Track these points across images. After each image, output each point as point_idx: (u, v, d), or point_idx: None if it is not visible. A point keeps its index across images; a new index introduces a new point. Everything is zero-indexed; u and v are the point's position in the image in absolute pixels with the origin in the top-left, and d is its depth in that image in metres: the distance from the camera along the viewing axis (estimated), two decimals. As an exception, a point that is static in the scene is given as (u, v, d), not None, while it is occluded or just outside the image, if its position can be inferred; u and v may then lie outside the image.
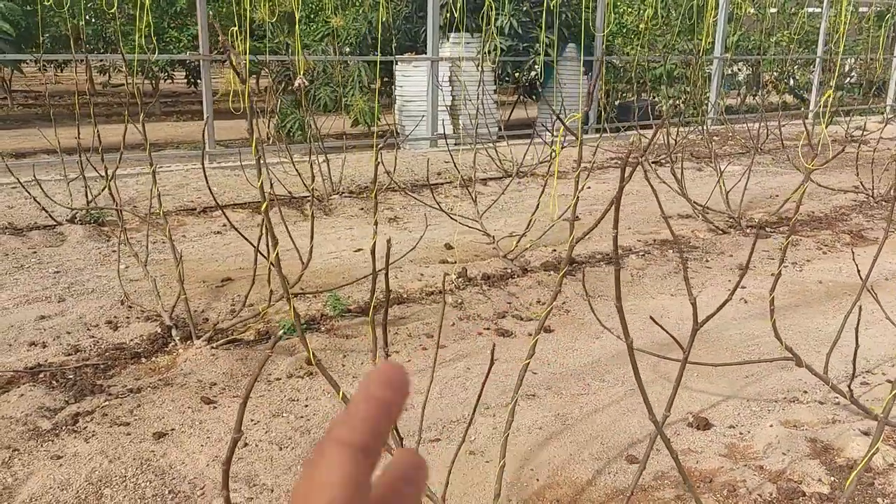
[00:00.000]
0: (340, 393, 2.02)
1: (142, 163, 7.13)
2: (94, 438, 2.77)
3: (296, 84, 4.45)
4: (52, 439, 2.77)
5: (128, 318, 3.93)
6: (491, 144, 9.19)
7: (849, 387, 2.91)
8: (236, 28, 5.22)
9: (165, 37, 11.55)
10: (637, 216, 6.25)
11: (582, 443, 2.87)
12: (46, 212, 5.51)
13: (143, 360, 3.44)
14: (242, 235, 3.89)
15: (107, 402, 3.03)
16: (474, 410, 2.19)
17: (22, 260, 4.84)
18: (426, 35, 9.44)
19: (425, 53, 9.40)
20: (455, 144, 9.61)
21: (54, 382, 3.16)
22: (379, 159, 3.25)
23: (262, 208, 3.34)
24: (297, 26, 5.54)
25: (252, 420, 2.96)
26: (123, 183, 6.52)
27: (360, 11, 9.75)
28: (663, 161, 8.86)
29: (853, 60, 16.07)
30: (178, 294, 3.76)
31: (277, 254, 2.36)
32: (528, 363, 2.31)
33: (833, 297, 4.52)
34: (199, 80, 13.87)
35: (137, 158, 6.78)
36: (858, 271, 3.15)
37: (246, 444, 2.79)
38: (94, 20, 11.76)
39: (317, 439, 2.84)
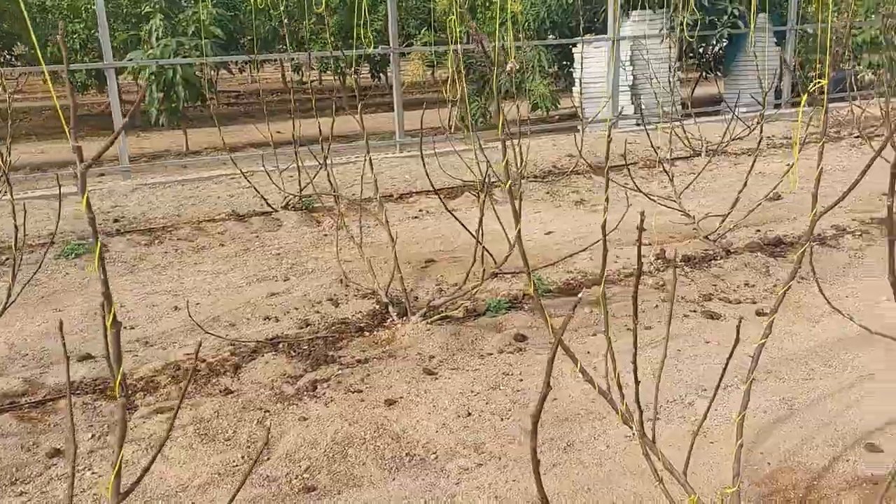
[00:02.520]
0: (578, 365, 2.08)
1: (339, 153, 7.59)
2: (333, 403, 3.03)
3: (508, 67, 4.54)
4: (296, 403, 3.06)
5: (346, 295, 4.24)
6: (677, 123, 8.90)
7: None
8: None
9: (352, 33, 12.15)
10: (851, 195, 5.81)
11: (813, 428, 2.76)
12: (265, 199, 6.02)
13: (367, 333, 3.70)
14: (459, 222, 4.06)
15: (340, 371, 3.30)
16: (716, 390, 2.17)
17: (247, 244, 5.33)
18: (605, 15, 9.28)
19: (605, 34, 9.25)
20: (637, 125, 9.40)
21: (292, 352, 3.48)
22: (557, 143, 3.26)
23: (481, 197, 3.47)
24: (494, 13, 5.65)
25: (472, 391, 3.10)
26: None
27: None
28: (872, 135, 8.17)
29: None
30: (391, 274, 4.00)
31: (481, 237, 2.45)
32: (765, 342, 2.25)
33: None
34: (381, 74, 14.51)
35: (339, 149, 7.21)
36: None
37: (469, 414, 2.93)
38: (287, 22, 12.60)
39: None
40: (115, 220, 5.93)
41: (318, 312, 4.01)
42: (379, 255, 4.68)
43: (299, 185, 6.00)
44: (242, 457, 2.71)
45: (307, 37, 12.23)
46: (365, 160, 4.09)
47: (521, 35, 9.67)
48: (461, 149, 6.89)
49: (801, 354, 3.34)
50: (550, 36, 9.90)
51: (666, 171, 5.35)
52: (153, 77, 8.69)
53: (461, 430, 2.82)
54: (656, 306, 3.91)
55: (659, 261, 4.48)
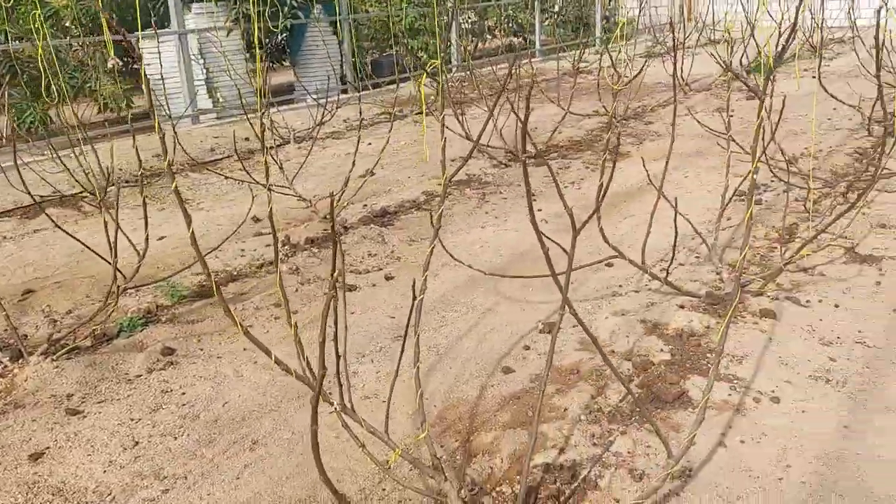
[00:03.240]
0: (273, 357, 2.05)
1: None
2: (-41, 479, 2.50)
3: (109, 65, 4.08)
4: None
5: (-72, 352, 3.47)
6: (261, 113, 9.01)
7: (666, 270, 3.47)
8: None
9: None
10: (426, 164, 6.57)
11: (460, 366, 3.13)
12: None
13: (-25, 389, 3.10)
14: (76, 238, 3.57)
15: (-46, 440, 2.72)
16: (405, 361, 2.32)
17: None
18: (165, 9, 8.91)
19: (168, 28, 8.88)
20: (217, 118, 9.28)
21: None
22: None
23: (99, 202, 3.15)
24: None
25: (132, 419, 2.83)
26: None
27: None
28: (430, 111, 9.29)
29: (561, 1, 17.68)
30: (12, 305, 3.40)
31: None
32: (423, 297, 2.47)
33: (614, 206, 5.18)
34: None
35: None
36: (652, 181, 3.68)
37: (137, 443, 2.68)
38: None
39: (209, 421, 2.80)
40: None
41: None
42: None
43: None
44: None
45: None
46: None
47: (70, 32, 8.76)
48: (28, 160, 6.06)
49: (430, 306, 3.72)
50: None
51: (275, 160, 5.42)
52: None
53: (133, 462, 2.57)
54: (296, 290, 3.99)
55: (286, 247, 4.56)
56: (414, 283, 2.33)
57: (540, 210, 5.16)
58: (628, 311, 3.52)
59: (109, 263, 3.38)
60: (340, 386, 2.07)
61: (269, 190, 2.34)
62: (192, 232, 2.03)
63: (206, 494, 2.39)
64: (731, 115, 4.84)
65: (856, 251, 4.06)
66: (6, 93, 7.62)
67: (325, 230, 4.85)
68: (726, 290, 3.63)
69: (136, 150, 3.40)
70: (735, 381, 2.87)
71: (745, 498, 2.25)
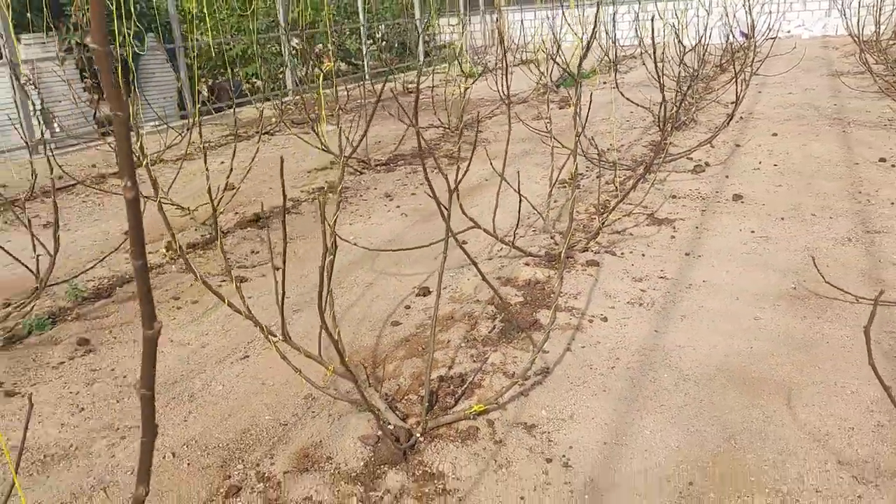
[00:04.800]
0: (226, 301, 2.55)
1: None
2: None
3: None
4: None
5: None
6: (99, 141, 9.06)
7: (513, 236, 4.25)
8: None
9: None
10: (289, 175, 7.06)
11: (356, 325, 3.72)
12: None
13: None
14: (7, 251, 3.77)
15: None
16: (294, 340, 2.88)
17: None
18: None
19: (-4, 58, 8.72)
20: (56, 148, 9.18)
21: None
22: None
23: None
24: None
25: (71, 392, 3.16)
26: None
27: None
28: (273, 131, 9.74)
29: (384, 27, 18.64)
30: None
31: None
32: (326, 288, 3.04)
33: (462, 199, 5.95)
34: None
35: None
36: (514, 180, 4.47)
37: (83, 409, 3.03)
38: None
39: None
40: None
41: None
42: None
43: None
44: None
45: None
46: None
47: None
48: None
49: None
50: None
51: (151, 175, 5.70)
52: None
53: (84, 423, 2.94)
54: (191, 285, 4.39)
55: (170, 251, 4.91)
56: (331, 262, 2.90)
57: (398, 207, 5.84)
58: (486, 273, 4.26)
59: (30, 270, 3.65)
60: (283, 322, 2.61)
61: (161, 200, 2.83)
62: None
63: (162, 433, 2.82)
64: (548, 120, 5.80)
65: (655, 216, 5.08)
66: None
67: (202, 236, 5.23)
68: (560, 250, 4.48)
69: None
70: (573, 311, 3.68)
71: (589, 382, 3.02)
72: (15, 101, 8.71)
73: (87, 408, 3.05)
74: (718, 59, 11.95)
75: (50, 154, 4.59)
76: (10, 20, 8.20)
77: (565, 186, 5.75)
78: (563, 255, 3.23)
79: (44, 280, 3.80)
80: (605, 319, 3.57)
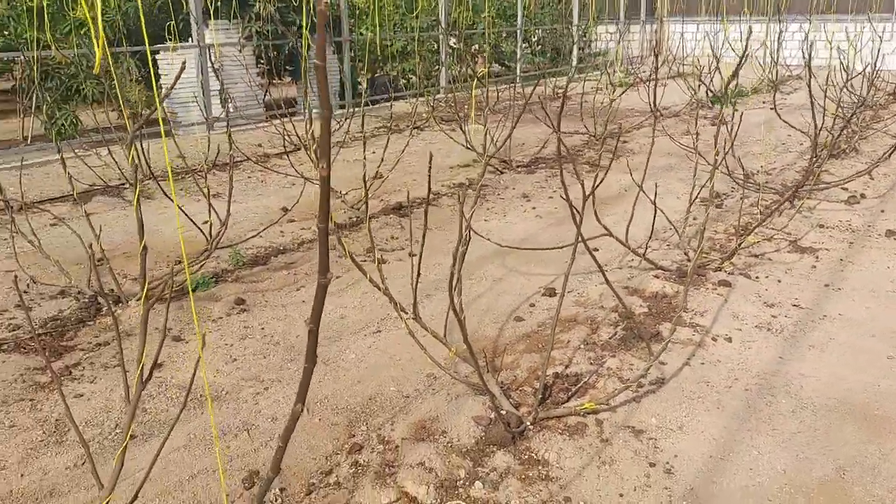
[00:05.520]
0: (368, 276, 2.82)
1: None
2: (100, 380, 3.21)
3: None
4: (62, 386, 3.15)
5: (32, 300, 4.16)
6: (265, 123, 9.78)
7: (645, 248, 4.30)
8: None
9: None
10: (434, 168, 7.38)
11: (480, 316, 3.91)
12: None
13: (89, 323, 3.81)
14: (183, 212, 4.29)
15: (86, 355, 3.43)
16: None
17: None
18: (182, 24, 9.65)
19: (180, 42, 9.62)
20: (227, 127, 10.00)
21: (21, 351, 3.46)
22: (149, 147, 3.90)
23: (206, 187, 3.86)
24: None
25: (226, 343, 3.57)
26: None
27: (114, 3, 9.64)
28: (423, 126, 10.13)
29: (541, 31, 18.76)
30: (89, 271, 4.10)
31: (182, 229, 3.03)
32: (457, 273, 3.24)
33: (597, 208, 6.02)
34: None
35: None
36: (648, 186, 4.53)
37: (235, 360, 3.41)
38: None
39: (287, 347, 3.55)
40: None
41: (14, 319, 3.91)
42: (40, 262, 4.57)
43: None
44: (43, 432, 2.80)
45: None
46: None
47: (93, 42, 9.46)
48: (59, 158, 6.76)
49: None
50: (128, 44, 9.88)
51: (311, 157, 6.19)
52: None
53: (235, 371, 3.31)
54: (336, 262, 4.74)
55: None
56: (465, 249, 3.10)
57: (534, 208, 5.99)
58: (613, 281, 4.33)
59: (203, 234, 4.13)
60: (415, 302, 2.84)
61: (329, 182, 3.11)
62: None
63: (294, 392, 3.13)
64: (698, 136, 5.75)
65: (798, 244, 4.94)
66: (37, 95, 8.32)
67: (350, 218, 5.61)
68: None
69: (177, 148, 4.13)
70: (697, 328, 3.70)
71: (704, 397, 3.06)
72: (200, 82, 9.60)
73: (239, 359, 3.42)
74: (894, 88, 11.21)
75: (228, 131, 5.08)
76: (201, 8, 9.04)
77: (706, 204, 5.68)
78: (690, 270, 3.27)
79: (213, 244, 4.25)
80: (730, 340, 3.56)
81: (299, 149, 8.52)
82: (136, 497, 1.89)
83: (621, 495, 2.44)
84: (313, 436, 2.81)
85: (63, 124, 8.57)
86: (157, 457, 2.03)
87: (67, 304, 4.06)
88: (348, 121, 8.42)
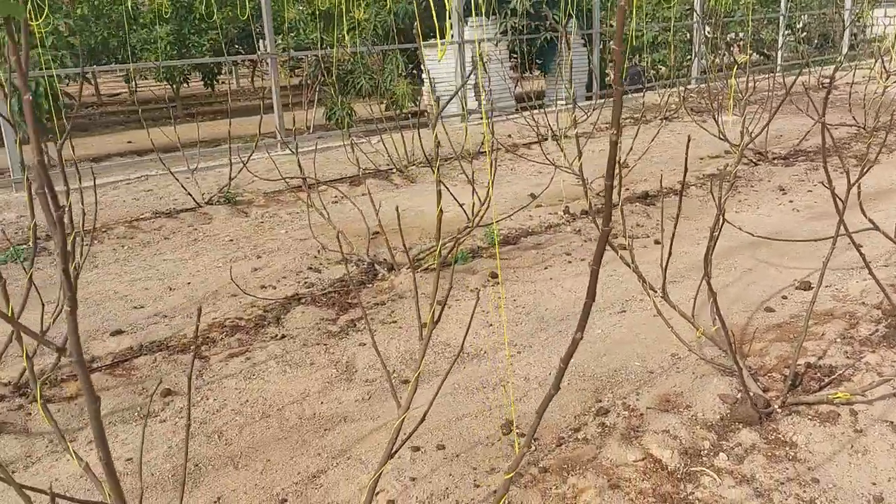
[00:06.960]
0: (619, 254, 3.02)
1: (218, 155, 7.96)
2: (378, 333, 3.73)
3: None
4: (346, 336, 3.72)
5: (322, 263, 4.86)
6: (515, 114, 10.22)
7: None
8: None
9: (188, 42, 12.24)
10: (680, 159, 7.32)
11: (730, 303, 3.92)
12: (192, 196, 6.35)
13: (368, 285, 4.40)
14: (451, 193, 4.80)
15: (367, 312, 3.98)
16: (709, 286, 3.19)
17: (190, 235, 5.70)
18: (442, 22, 10.38)
19: (442, 39, 10.34)
20: (481, 119, 10.61)
21: (317, 304, 4.10)
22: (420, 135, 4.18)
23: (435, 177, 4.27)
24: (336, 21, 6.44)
25: (481, 311, 3.94)
26: (218, 172, 7.34)
27: (384, 4, 10.63)
28: (672, 117, 9.98)
29: (806, 17, 17.38)
30: (367, 242, 4.71)
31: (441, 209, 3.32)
32: (713, 245, 3.30)
33: (864, 202, 5.63)
34: (213, 83, 14.59)
35: (221, 152, 7.60)
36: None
37: (490, 325, 3.78)
38: (119, 32, 12.38)
39: (537, 318, 3.84)
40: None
41: (308, 278, 4.62)
42: (326, 232, 5.30)
43: (230, 178, 6.42)
44: (336, 371, 3.36)
45: (138, 46, 12.14)
46: (239, 161, 4.74)
47: (368, 41, 10.49)
48: (335, 145, 7.64)
49: (694, 264, 4.53)
50: (396, 42, 10.84)
51: (560, 147, 6.48)
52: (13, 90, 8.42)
53: (490, 336, 3.67)
54: (582, 245, 4.97)
55: (567, 214, 5.56)
56: (716, 235, 3.18)
57: (791, 201, 5.76)
58: (881, 279, 4.10)
59: (465, 212, 4.57)
60: (664, 281, 2.98)
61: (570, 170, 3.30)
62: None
63: (546, 358, 3.41)
64: None
65: None
66: (319, 90, 9.44)
67: (597, 204, 5.79)
68: (974, 270, 4.09)
69: (431, 138, 4.52)
70: (977, 332, 3.41)
71: (978, 403, 2.86)
72: (457, 76, 10.27)
73: (494, 324, 3.78)
74: None
75: (491, 121, 5.47)
76: (462, 6, 9.66)
77: None
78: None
79: (475, 221, 4.66)
80: None
81: (546, 139, 8.84)
82: (422, 420, 2.26)
83: (874, 483, 2.41)
84: (562, 397, 3.06)
85: (340, 115, 9.65)
86: (437, 395, 2.40)
87: (352, 269, 4.70)
88: (597, 111, 8.58)
